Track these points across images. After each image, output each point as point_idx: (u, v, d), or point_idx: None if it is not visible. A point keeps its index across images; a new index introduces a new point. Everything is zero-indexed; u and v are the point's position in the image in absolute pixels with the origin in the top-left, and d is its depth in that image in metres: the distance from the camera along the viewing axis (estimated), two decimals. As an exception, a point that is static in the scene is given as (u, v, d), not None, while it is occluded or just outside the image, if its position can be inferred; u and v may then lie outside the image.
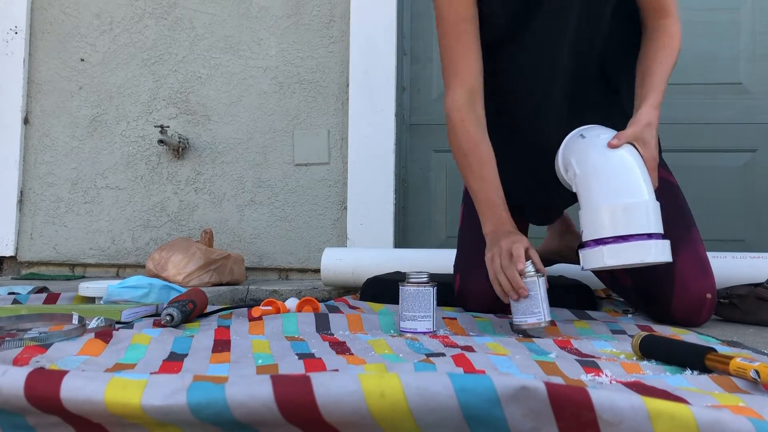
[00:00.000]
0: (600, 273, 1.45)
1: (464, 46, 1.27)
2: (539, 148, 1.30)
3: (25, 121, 2.40)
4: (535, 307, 1.00)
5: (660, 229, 1.04)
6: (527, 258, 1.03)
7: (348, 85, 2.26)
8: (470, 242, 1.36)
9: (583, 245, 1.07)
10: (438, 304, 1.08)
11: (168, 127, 2.22)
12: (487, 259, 1.11)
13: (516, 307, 1.02)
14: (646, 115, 1.16)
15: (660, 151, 1.43)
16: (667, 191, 1.28)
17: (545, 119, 1.31)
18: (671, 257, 1.07)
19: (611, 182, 1.06)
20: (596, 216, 1.04)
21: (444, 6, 1.27)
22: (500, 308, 1.34)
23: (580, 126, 1.20)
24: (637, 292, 1.30)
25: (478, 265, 1.18)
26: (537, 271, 1.02)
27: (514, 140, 1.34)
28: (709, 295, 1.20)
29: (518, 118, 1.34)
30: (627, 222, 1.02)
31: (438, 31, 1.29)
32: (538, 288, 1.00)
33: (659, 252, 1.03)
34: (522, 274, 1.01)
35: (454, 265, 1.41)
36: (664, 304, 1.21)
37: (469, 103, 1.26)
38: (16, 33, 2.38)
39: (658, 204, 1.06)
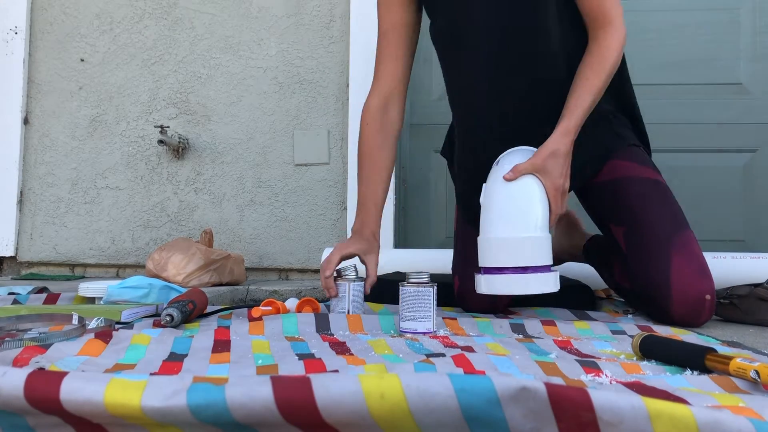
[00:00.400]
0: (599, 273, 1.46)
1: (385, 52, 1.36)
2: (478, 161, 1.32)
3: (25, 121, 2.40)
4: (341, 307, 1.19)
5: (543, 261, 1.11)
6: (340, 262, 1.22)
7: (348, 85, 2.26)
8: (467, 243, 1.36)
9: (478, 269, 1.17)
10: (438, 305, 1.12)
11: (168, 127, 2.22)
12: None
13: (332, 303, 1.21)
14: (553, 143, 1.17)
15: (649, 153, 1.42)
16: (654, 192, 1.29)
17: (478, 136, 1.34)
18: (557, 287, 1.12)
19: (498, 215, 1.14)
20: (480, 245, 1.15)
21: (377, 12, 1.37)
22: (500, 308, 1.34)
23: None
24: (636, 295, 1.30)
25: (475, 264, 1.19)
26: (357, 276, 1.21)
27: (462, 145, 1.38)
28: (708, 297, 1.19)
29: (460, 128, 1.39)
30: (503, 256, 1.11)
31: None
32: (347, 290, 1.19)
33: (539, 284, 1.10)
34: (339, 275, 1.20)
35: (452, 267, 1.41)
36: (662, 307, 1.21)
37: (381, 108, 1.37)
38: (16, 33, 2.38)
39: (543, 237, 1.12)
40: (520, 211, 1.13)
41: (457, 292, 1.37)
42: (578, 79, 1.23)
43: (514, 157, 1.19)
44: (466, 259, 1.34)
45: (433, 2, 1.32)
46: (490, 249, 1.13)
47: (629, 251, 1.27)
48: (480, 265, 1.15)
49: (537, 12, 1.24)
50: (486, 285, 1.13)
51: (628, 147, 1.36)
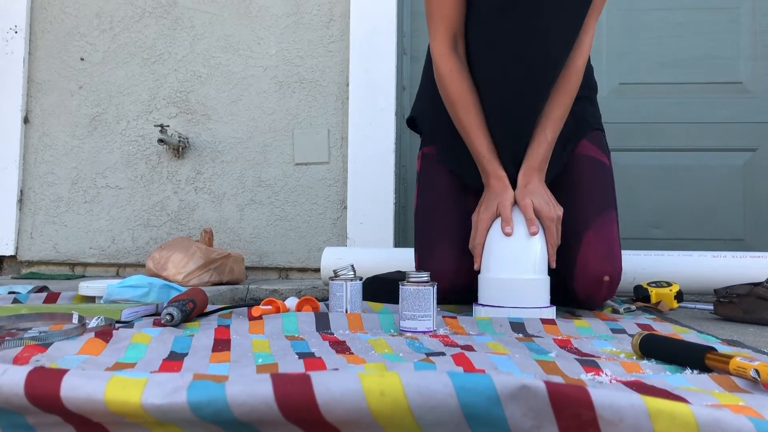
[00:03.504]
0: None
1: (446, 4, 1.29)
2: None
3: (25, 120, 2.40)
4: (339, 306, 1.19)
5: (541, 303, 1.18)
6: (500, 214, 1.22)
7: (348, 85, 2.26)
8: (427, 221, 1.37)
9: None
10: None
11: (168, 126, 2.22)
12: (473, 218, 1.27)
13: (330, 302, 1.20)
14: (526, 183, 1.26)
15: (604, 137, 1.44)
16: (596, 170, 1.35)
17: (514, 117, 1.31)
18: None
19: (500, 257, 1.22)
20: (483, 284, 1.23)
21: None
22: (463, 285, 1.33)
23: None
24: (554, 273, 1.31)
25: (438, 242, 1.26)
26: (355, 275, 1.20)
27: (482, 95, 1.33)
28: (606, 278, 1.23)
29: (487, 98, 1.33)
30: (506, 295, 1.19)
31: None
32: (345, 290, 1.19)
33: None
34: (336, 275, 1.19)
35: (415, 249, 1.40)
36: (568, 282, 1.26)
37: (454, 49, 1.31)
38: (16, 32, 2.38)
39: (542, 279, 1.19)
40: (520, 254, 1.20)
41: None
42: (545, 113, 1.29)
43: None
44: (429, 235, 1.35)
45: None
46: (491, 288, 1.20)
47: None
48: (480, 301, 1.22)
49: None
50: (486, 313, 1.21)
51: (590, 132, 1.42)
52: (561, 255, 1.27)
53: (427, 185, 1.41)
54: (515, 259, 1.19)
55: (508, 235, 1.20)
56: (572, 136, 1.39)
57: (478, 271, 1.25)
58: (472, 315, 1.22)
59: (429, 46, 1.35)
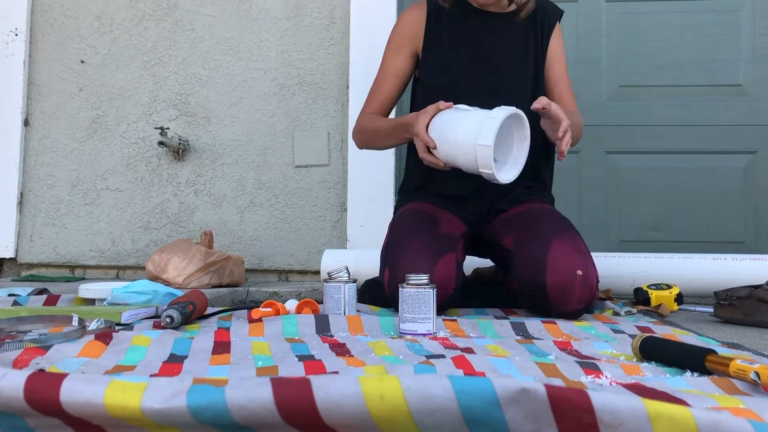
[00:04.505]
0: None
1: (382, 90, 1.57)
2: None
3: (25, 122, 2.40)
4: (336, 309, 1.19)
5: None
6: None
7: (348, 87, 2.26)
8: (397, 240, 1.41)
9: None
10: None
11: (168, 128, 2.22)
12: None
13: (327, 305, 1.21)
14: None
15: (552, 198, 1.58)
16: (552, 213, 1.45)
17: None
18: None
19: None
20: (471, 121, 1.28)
21: (383, 57, 1.58)
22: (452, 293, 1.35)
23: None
24: (521, 287, 1.34)
25: (406, 251, 1.32)
26: (350, 277, 1.21)
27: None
28: (579, 272, 1.25)
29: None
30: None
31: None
32: (342, 292, 1.19)
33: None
34: (330, 278, 1.22)
35: (384, 261, 1.42)
36: (538, 282, 1.27)
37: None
38: (16, 35, 2.39)
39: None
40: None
41: (388, 288, 1.35)
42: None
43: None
44: (398, 247, 1.37)
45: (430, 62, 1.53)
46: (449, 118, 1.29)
47: (516, 248, 1.35)
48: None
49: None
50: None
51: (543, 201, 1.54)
52: (531, 269, 1.29)
53: (399, 220, 1.49)
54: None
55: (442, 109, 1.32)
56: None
57: (464, 277, 1.35)
58: (469, 317, 1.22)
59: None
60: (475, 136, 1.22)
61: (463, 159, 1.26)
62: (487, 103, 1.31)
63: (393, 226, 1.48)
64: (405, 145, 1.61)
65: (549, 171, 1.60)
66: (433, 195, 1.52)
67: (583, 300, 1.25)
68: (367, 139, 1.57)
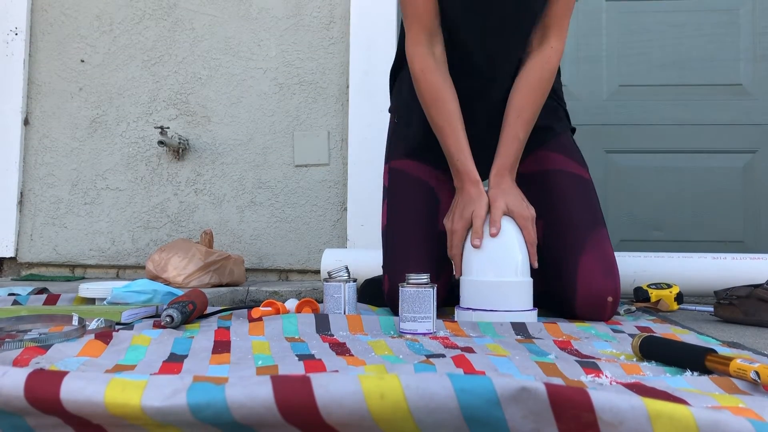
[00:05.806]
0: None
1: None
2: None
3: (25, 122, 2.40)
4: (336, 308, 1.18)
5: (525, 306, 1.16)
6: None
7: (348, 86, 2.26)
8: (396, 239, 1.35)
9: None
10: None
11: (168, 128, 2.22)
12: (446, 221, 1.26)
13: (327, 304, 1.20)
14: (498, 183, 1.24)
15: (579, 150, 1.43)
16: (579, 188, 1.32)
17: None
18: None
19: (485, 260, 1.20)
20: (466, 287, 1.19)
21: None
22: (443, 298, 1.34)
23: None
24: (547, 293, 1.30)
25: (406, 261, 1.25)
26: (350, 276, 1.20)
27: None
28: (610, 299, 1.22)
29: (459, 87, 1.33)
30: (490, 298, 1.16)
31: None
32: (343, 291, 1.18)
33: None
34: (330, 277, 1.19)
35: (383, 266, 1.38)
36: (569, 304, 1.24)
37: (429, 48, 1.28)
38: (16, 34, 2.39)
39: (526, 281, 1.16)
40: (503, 257, 1.18)
41: (387, 292, 1.34)
42: (512, 111, 1.28)
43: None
44: (399, 255, 1.33)
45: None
46: (473, 291, 1.17)
47: (544, 244, 1.28)
48: (463, 305, 1.19)
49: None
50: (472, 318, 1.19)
51: (557, 136, 1.40)
52: (559, 278, 1.25)
53: (397, 202, 1.38)
54: (497, 262, 1.17)
55: (476, 247, 1.17)
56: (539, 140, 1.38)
57: (457, 280, 1.23)
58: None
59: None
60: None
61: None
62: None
63: (390, 205, 1.39)
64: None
65: (557, 82, 1.44)
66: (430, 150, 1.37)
67: (609, 317, 1.24)
68: (426, 112, 1.31)
